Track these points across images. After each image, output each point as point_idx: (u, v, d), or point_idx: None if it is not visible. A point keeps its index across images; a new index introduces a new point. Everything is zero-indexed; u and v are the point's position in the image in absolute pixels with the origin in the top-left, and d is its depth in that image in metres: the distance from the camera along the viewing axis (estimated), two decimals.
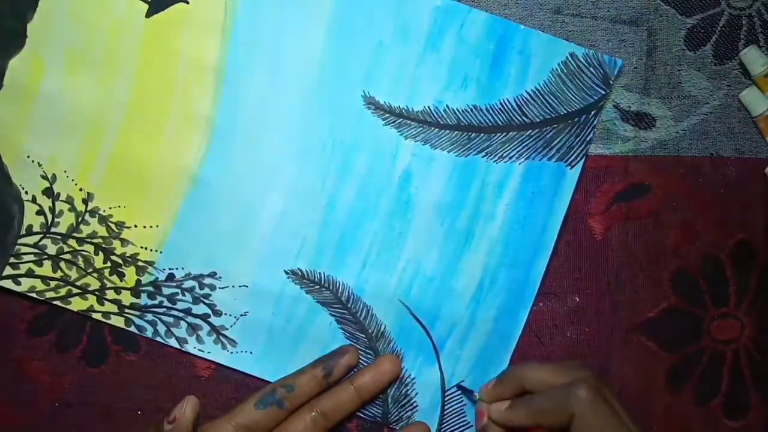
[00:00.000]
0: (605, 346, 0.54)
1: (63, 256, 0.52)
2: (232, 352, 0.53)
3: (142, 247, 0.53)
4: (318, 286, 0.53)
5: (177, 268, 0.53)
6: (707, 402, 0.54)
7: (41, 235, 0.52)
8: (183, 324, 0.53)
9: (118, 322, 0.53)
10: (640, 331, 0.54)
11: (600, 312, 0.54)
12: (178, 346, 0.53)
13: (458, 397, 0.54)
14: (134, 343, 0.53)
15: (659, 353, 0.54)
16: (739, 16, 0.53)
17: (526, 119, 0.52)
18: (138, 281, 0.53)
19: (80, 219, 0.52)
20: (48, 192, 0.52)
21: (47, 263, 0.52)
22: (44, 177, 0.52)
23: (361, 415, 0.54)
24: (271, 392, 0.50)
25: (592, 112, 0.53)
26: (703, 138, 0.53)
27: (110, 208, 0.52)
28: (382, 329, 0.53)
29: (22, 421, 0.53)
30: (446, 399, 0.54)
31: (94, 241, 0.52)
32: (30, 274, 0.52)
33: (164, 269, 0.53)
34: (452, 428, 0.54)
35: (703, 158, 0.53)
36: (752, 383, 0.54)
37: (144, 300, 0.53)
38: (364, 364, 0.54)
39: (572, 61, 0.52)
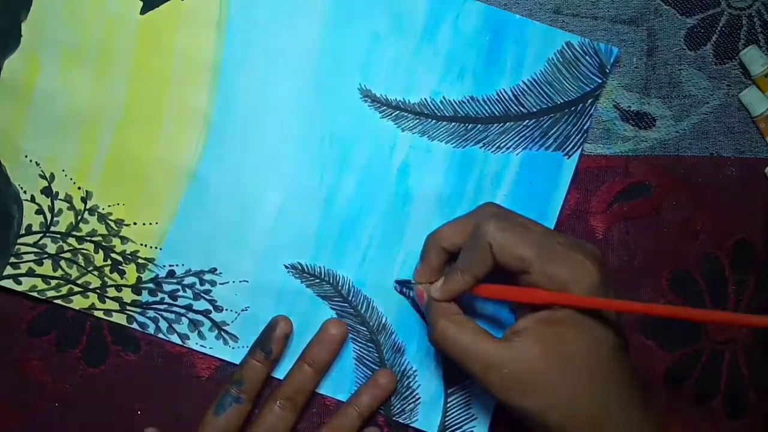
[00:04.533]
0: None
1: (63, 255, 0.50)
2: (234, 348, 0.50)
3: (142, 244, 0.50)
4: (318, 280, 0.50)
5: (177, 265, 0.50)
6: (706, 401, 0.51)
7: (41, 234, 0.50)
8: (184, 320, 0.50)
9: (119, 319, 0.50)
10: (639, 330, 0.51)
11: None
12: (180, 343, 0.50)
13: (462, 388, 0.50)
14: (134, 343, 0.51)
15: (658, 352, 0.51)
16: (739, 16, 0.50)
17: (522, 109, 0.50)
18: (139, 278, 0.50)
19: (79, 217, 0.50)
20: (47, 191, 0.50)
21: (47, 262, 0.50)
22: (42, 176, 0.50)
23: None
24: (225, 394, 0.48)
25: (589, 101, 0.50)
26: (703, 138, 0.50)
27: (109, 206, 0.50)
28: (383, 322, 0.50)
29: (22, 421, 0.51)
30: (449, 391, 0.50)
31: (94, 239, 0.50)
32: (31, 273, 0.50)
33: (165, 266, 0.50)
34: (457, 419, 0.50)
35: (703, 158, 0.50)
36: (750, 382, 0.51)
37: (145, 297, 0.50)
38: (367, 358, 0.50)
39: (568, 50, 0.49)
